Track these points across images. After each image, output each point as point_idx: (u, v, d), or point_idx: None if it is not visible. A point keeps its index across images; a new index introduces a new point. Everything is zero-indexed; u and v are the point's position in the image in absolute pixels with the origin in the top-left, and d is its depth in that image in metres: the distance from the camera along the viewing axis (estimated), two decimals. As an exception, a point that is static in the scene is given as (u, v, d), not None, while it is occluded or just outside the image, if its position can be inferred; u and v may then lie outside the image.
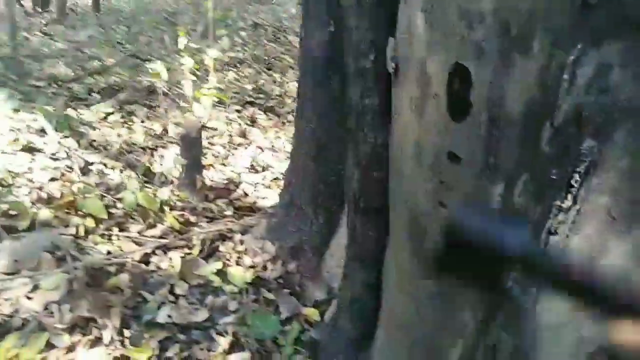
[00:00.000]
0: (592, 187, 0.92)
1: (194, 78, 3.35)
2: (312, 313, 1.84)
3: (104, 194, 2.46)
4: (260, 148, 3.53)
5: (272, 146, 3.59)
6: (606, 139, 0.86)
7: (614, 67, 0.80)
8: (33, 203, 2.29)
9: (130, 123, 3.69)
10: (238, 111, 4.13)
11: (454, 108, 0.89)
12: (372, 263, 1.39)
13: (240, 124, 3.87)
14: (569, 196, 0.95)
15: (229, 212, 2.58)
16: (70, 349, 1.59)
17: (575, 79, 0.82)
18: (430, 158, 0.97)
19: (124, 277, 1.91)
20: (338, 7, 1.57)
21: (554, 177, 0.96)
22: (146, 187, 2.65)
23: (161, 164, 3.08)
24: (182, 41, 3.27)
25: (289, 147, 2.71)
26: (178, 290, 1.93)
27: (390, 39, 1.02)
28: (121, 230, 2.28)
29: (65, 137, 3.06)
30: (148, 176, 2.91)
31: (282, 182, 2.31)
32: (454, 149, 0.92)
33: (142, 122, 3.74)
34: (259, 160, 3.33)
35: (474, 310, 1.13)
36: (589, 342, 0.99)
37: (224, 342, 1.70)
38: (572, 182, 0.94)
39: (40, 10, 8.49)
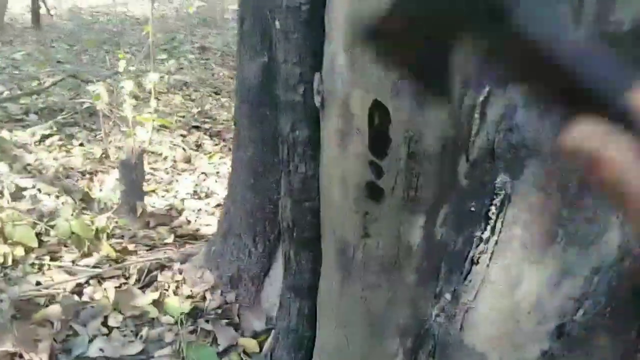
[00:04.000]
0: (507, 219, 0.97)
1: (135, 101, 3.29)
2: (250, 344, 1.81)
3: (37, 221, 2.36)
4: (205, 174, 3.48)
5: (217, 172, 3.55)
6: (517, 174, 0.91)
7: (518, 108, 0.85)
8: (-43, 231, 2.17)
9: (68, 146, 3.57)
10: (183, 136, 4.07)
11: (375, 143, 0.92)
12: (306, 292, 1.40)
13: (184, 149, 3.82)
14: (488, 227, 1.00)
15: (170, 240, 2.53)
16: (-7, 388, 1.50)
17: (485, 118, 0.87)
18: (355, 190, 0.99)
19: (54, 309, 1.83)
20: (271, 39, 1.60)
21: (473, 209, 1.00)
22: (84, 213, 2.56)
23: (100, 190, 2.99)
24: (122, 64, 3.21)
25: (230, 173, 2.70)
26: (112, 322, 1.86)
27: (316, 74, 1.05)
28: (53, 259, 2.18)
29: (-3, 160, 2.93)
30: (86, 202, 2.82)
31: (224, 209, 2.29)
32: (376, 182, 0.95)
33: (82, 145, 3.63)
34: (203, 186, 3.29)
35: (402, 338, 1.16)
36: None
37: (158, 375, 1.66)
38: (490, 214, 0.99)
39: (-25, 25, 8.13)
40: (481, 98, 0.85)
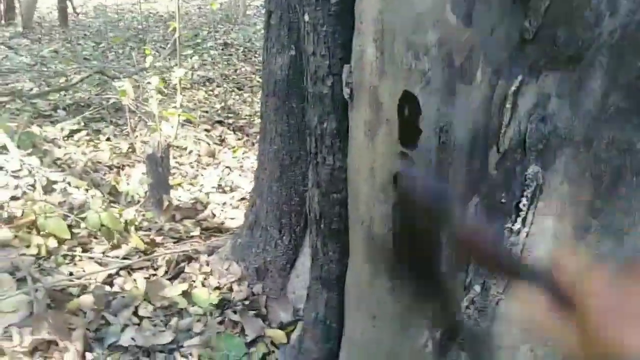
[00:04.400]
0: (539, 210, 0.96)
1: (161, 96, 3.34)
2: (277, 335, 1.84)
3: (67, 214, 2.42)
4: (229, 168, 3.52)
5: (241, 166, 3.58)
6: (548, 165, 0.90)
7: (551, 97, 0.84)
8: (-7, 223, 2.23)
9: (96, 141, 3.64)
10: (207, 130, 4.12)
11: (405, 133, 0.93)
12: (334, 284, 1.41)
13: (209, 144, 3.86)
14: (518, 219, 0.99)
15: (195, 233, 2.57)
16: (30, 374, 1.55)
17: (517, 108, 0.87)
18: (384, 181, 1.00)
19: (87, 299, 1.88)
20: (298, 32, 1.61)
21: (503, 200, 1.00)
22: (111, 206, 2.61)
23: (127, 183, 3.04)
24: (149, 60, 3.26)
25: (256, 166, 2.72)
26: (142, 312, 1.90)
27: (345, 66, 1.06)
28: (84, 250, 2.24)
29: (28, 154, 3.00)
30: (114, 195, 2.88)
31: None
32: (406, 174, 0.95)
33: (109, 140, 3.70)
34: (227, 180, 3.33)
35: (432, 330, 1.16)
36: None
37: (188, 364, 1.69)
38: (521, 205, 0.98)
39: (4, 22, 8.31)
40: (513, 88, 0.85)
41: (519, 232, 1.00)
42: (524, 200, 0.97)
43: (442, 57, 0.82)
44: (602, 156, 0.84)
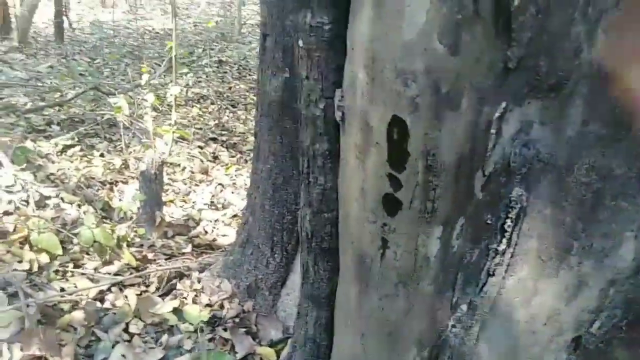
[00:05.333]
0: (523, 231, 0.99)
1: (156, 113, 3.37)
2: (267, 352, 1.84)
3: (60, 229, 2.42)
4: (222, 185, 3.54)
5: (234, 183, 3.61)
6: (532, 188, 0.94)
7: (534, 123, 0.88)
8: (-16, 238, 2.23)
9: (89, 156, 3.65)
10: (200, 147, 4.14)
11: (394, 156, 0.96)
12: (324, 302, 1.42)
13: (202, 161, 3.88)
14: (503, 240, 1.02)
15: (187, 250, 2.58)
16: (19, 390, 1.54)
17: (501, 133, 0.91)
18: (373, 202, 1.03)
19: (78, 315, 1.87)
20: (293, 55, 1.65)
21: (489, 221, 1.03)
22: (104, 222, 2.62)
23: (120, 199, 3.05)
24: (145, 77, 3.30)
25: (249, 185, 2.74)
26: (133, 329, 1.90)
27: (337, 90, 1.09)
28: (76, 266, 2.24)
29: (22, 169, 3.01)
30: (107, 211, 2.88)
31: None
32: (394, 195, 0.98)
33: (102, 155, 3.71)
34: (220, 197, 3.34)
35: (419, 349, 1.18)
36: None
37: (177, 382, 1.69)
38: (505, 226, 1.01)
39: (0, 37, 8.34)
40: (497, 114, 0.89)
41: (504, 252, 1.03)
42: (508, 222, 1.00)
43: (430, 84, 0.85)
44: (583, 180, 0.88)
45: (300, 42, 1.12)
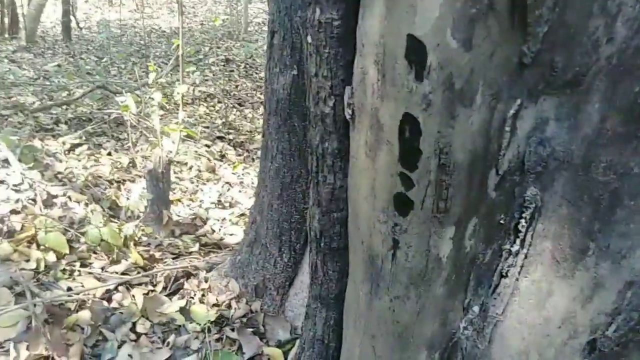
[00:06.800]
0: (538, 232, 0.97)
1: (163, 112, 3.36)
2: (275, 353, 1.83)
3: (67, 228, 2.42)
4: (229, 184, 3.53)
5: (241, 182, 3.60)
6: (547, 187, 0.91)
7: (550, 120, 0.86)
8: (-8, 237, 2.23)
9: (97, 155, 3.66)
10: (207, 146, 4.14)
11: (405, 154, 0.94)
12: (333, 303, 1.40)
13: (209, 159, 3.88)
14: (517, 240, 1.00)
15: (194, 249, 2.57)
16: (25, 390, 1.54)
17: (516, 131, 0.88)
18: (384, 202, 1.00)
19: (85, 315, 1.87)
20: (301, 52, 1.63)
21: (502, 221, 1.01)
22: (111, 221, 2.62)
23: (128, 198, 3.05)
24: (152, 76, 3.29)
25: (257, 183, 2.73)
26: (140, 329, 1.89)
27: (347, 88, 1.07)
28: (83, 265, 2.23)
29: (30, 168, 3.01)
30: (114, 210, 2.88)
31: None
32: (406, 194, 0.96)
33: (110, 154, 3.71)
34: (227, 196, 3.34)
35: (430, 351, 1.16)
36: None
37: (184, 382, 1.68)
38: (519, 227, 0.99)
39: (8, 36, 8.38)
40: (512, 111, 0.86)
41: (517, 253, 1.01)
42: (522, 222, 0.98)
43: (443, 81, 0.83)
44: (600, 179, 0.85)
45: (309, 39, 1.10)
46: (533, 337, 1.02)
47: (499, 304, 1.04)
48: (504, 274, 1.04)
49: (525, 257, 1.00)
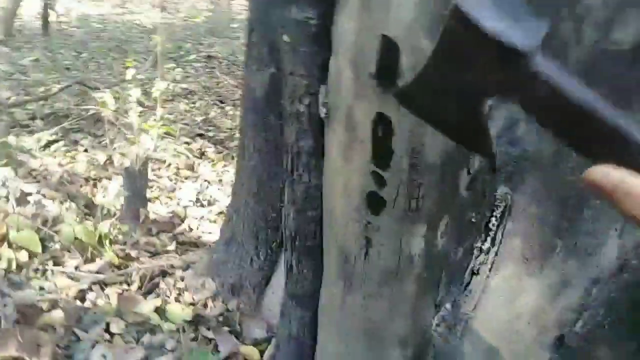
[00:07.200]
0: (508, 230, 0.98)
1: (142, 109, 3.33)
2: (251, 352, 1.82)
3: (41, 227, 2.38)
4: (208, 181, 3.50)
5: (220, 180, 3.57)
6: (517, 186, 0.93)
7: (520, 121, 0.87)
8: (-38, 235, 2.18)
9: (73, 152, 3.59)
10: (187, 143, 4.09)
11: (378, 154, 0.94)
12: (308, 301, 1.41)
13: (188, 157, 3.84)
14: (488, 238, 1.01)
15: (172, 247, 2.54)
16: (-6, 392, 1.51)
17: (487, 130, 0.89)
18: (357, 200, 1.01)
19: (57, 314, 1.84)
20: (279, 50, 1.62)
21: (473, 220, 1.02)
22: (87, 219, 2.58)
23: (104, 196, 3.00)
24: (130, 72, 3.25)
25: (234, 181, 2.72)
26: (114, 329, 1.86)
27: (322, 86, 1.07)
28: (57, 264, 2.20)
29: (3, 165, 2.95)
30: (89, 208, 2.84)
31: (226, 217, 2.30)
32: (379, 193, 0.96)
33: (86, 151, 3.65)
34: (206, 194, 3.31)
35: (402, 348, 1.17)
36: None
37: (159, 382, 1.66)
38: (490, 225, 1.00)
39: (-16, 31, 8.19)
40: (483, 111, 0.87)
41: (488, 251, 1.02)
42: (493, 220, 0.99)
43: (415, 81, 0.84)
44: (568, 179, 0.87)
45: (286, 37, 1.10)
46: (503, 333, 1.03)
47: (470, 301, 1.06)
48: (475, 271, 1.05)
49: (496, 254, 1.01)
